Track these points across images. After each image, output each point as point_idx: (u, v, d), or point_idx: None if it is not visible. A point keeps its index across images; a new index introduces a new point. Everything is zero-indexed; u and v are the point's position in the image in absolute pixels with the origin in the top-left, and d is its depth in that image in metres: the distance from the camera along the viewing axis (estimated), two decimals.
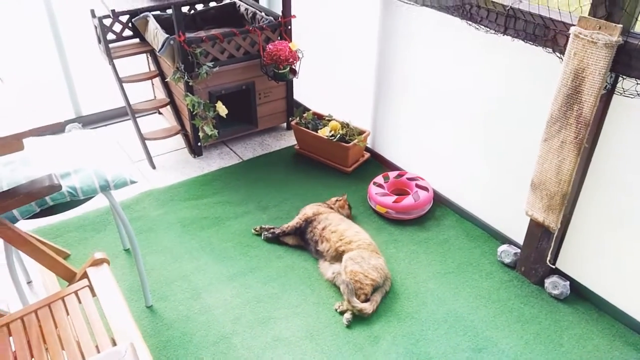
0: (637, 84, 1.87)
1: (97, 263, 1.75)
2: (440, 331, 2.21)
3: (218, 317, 2.25)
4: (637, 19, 1.83)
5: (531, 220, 2.38)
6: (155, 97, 3.91)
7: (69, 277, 1.79)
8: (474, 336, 2.19)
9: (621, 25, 1.79)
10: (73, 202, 2.04)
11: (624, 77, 1.91)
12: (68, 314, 1.59)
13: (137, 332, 1.52)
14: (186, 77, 3.08)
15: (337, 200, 2.81)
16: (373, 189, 2.89)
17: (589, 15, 1.90)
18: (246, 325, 2.21)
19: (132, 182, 2.07)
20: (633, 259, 2.13)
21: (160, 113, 3.94)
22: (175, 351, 2.10)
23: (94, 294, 1.67)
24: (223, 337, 2.16)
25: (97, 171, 2.04)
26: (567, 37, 1.95)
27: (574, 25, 1.92)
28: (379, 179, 2.98)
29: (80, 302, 1.63)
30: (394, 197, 2.81)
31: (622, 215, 2.12)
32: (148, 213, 2.89)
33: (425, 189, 2.88)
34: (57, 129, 1.75)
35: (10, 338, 1.51)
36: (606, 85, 1.94)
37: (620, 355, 2.11)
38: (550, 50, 2.07)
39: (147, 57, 3.65)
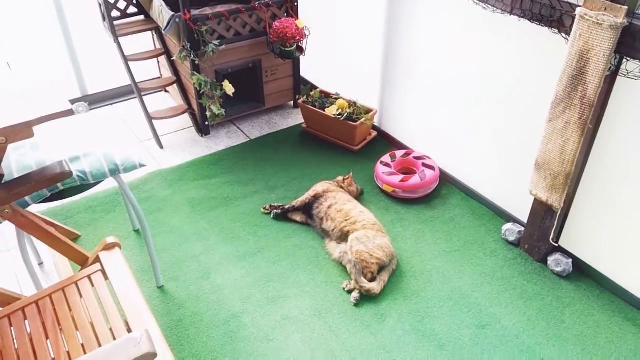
0: None
1: (109, 247, 1.79)
2: (445, 308, 2.26)
3: (228, 297, 2.31)
4: None
5: (535, 199, 2.40)
6: (161, 75, 3.91)
7: (82, 261, 1.84)
8: (478, 313, 2.24)
9: (626, 7, 1.78)
10: (83, 186, 2.08)
11: (628, 59, 1.90)
12: (82, 297, 1.64)
13: (150, 316, 1.58)
14: (192, 56, 3.07)
15: (344, 179, 2.84)
16: (380, 169, 2.92)
17: None
18: (256, 305, 2.27)
19: (142, 166, 2.09)
20: (633, 238, 2.16)
21: (166, 91, 3.94)
22: (187, 330, 2.17)
23: (106, 278, 1.73)
24: (233, 316, 2.22)
25: (106, 155, 2.07)
26: (573, 18, 1.94)
27: (579, 6, 1.90)
28: (386, 158, 3.00)
29: (93, 285, 1.68)
30: (401, 177, 2.83)
31: (624, 194, 2.13)
32: (157, 193, 2.94)
33: (431, 167, 2.90)
34: (67, 115, 1.78)
35: (26, 321, 1.56)
36: (610, 67, 1.94)
37: (620, 331, 2.15)
38: (556, 31, 2.06)
39: (153, 35, 3.64)
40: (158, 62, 3.84)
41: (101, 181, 2.06)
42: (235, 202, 2.86)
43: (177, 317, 2.22)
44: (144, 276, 2.42)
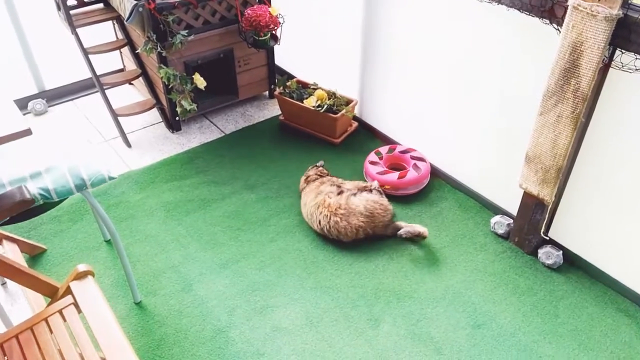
0: (637, 58, 1.79)
1: (81, 276, 1.64)
2: (440, 309, 2.20)
3: (213, 310, 2.19)
4: None
5: (525, 192, 2.34)
6: (125, 67, 3.69)
7: (51, 293, 1.68)
8: (472, 312, 2.18)
9: None
10: (47, 204, 1.92)
11: (623, 51, 1.82)
12: (52, 333, 1.50)
13: (130, 351, 1.45)
14: (159, 48, 2.88)
15: (314, 167, 2.78)
16: (371, 169, 2.77)
17: None
18: (243, 317, 2.16)
19: (111, 179, 1.94)
20: (624, 229, 2.13)
21: (131, 84, 3.72)
22: (170, 349, 2.05)
23: (79, 311, 1.58)
24: (220, 331, 2.11)
25: (71, 169, 1.91)
26: (566, 8, 1.85)
27: None
28: (372, 157, 2.87)
29: (65, 320, 1.53)
30: (397, 173, 2.72)
31: (614, 185, 2.09)
32: (127, 198, 2.77)
33: (421, 159, 2.81)
34: (26, 135, 1.60)
35: None
36: (603, 59, 1.86)
37: (613, 322, 2.13)
38: (548, 21, 1.96)
39: (114, 25, 3.41)
40: (121, 53, 3.62)
41: (66, 198, 1.90)
42: (213, 204, 2.72)
43: (158, 335, 2.10)
44: (119, 292, 2.28)
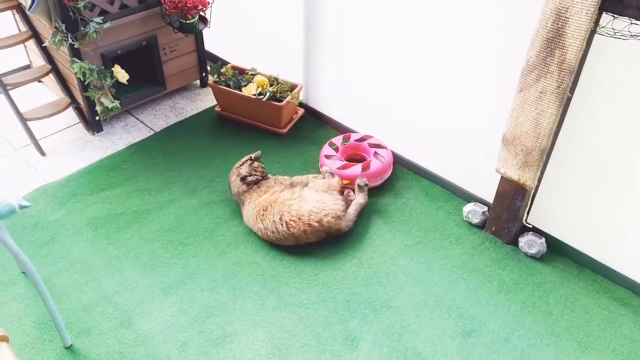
0: (632, 23, 1.58)
1: None
2: (423, 318, 1.95)
3: (160, 347, 1.84)
4: None
5: (502, 177, 2.12)
6: (31, 63, 3.20)
7: None
8: (459, 318, 1.95)
9: None
10: None
11: (615, 16, 1.61)
12: None
13: None
14: (70, 39, 2.48)
15: (246, 161, 2.41)
16: (330, 163, 2.46)
17: None
18: (197, 352, 1.82)
19: (22, 208, 1.60)
20: (609, 209, 1.97)
21: (41, 82, 3.22)
22: None
23: None
24: None
25: None
26: None
27: None
28: (327, 149, 2.56)
29: None
30: (359, 165, 2.43)
31: (599, 164, 1.93)
32: (46, 217, 2.34)
33: (381, 146, 2.54)
34: None
35: None
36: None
37: (609, 314, 1.97)
38: None
39: (14, 15, 2.92)
40: (26, 47, 3.12)
41: None
42: (149, 216, 2.34)
43: None
44: (45, 335, 1.88)
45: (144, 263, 2.14)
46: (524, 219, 2.16)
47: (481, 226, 2.32)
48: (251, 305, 1.98)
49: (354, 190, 2.35)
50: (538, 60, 1.77)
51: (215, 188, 2.50)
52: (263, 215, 2.18)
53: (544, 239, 2.16)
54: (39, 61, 2.99)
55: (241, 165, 2.39)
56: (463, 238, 2.27)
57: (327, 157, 2.51)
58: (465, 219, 2.34)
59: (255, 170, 2.37)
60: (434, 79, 2.27)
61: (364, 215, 2.35)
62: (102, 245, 2.21)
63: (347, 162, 2.48)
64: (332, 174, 2.36)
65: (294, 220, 2.12)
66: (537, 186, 2.11)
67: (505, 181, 2.12)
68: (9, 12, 2.84)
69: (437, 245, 2.24)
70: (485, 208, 2.29)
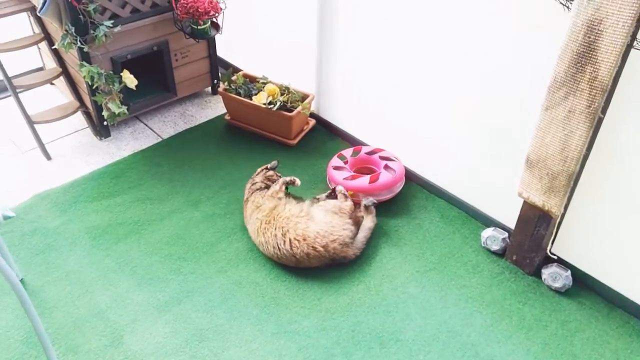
0: None
1: None
2: (433, 355, 1.79)
3: None
4: None
5: (525, 202, 1.96)
6: (44, 65, 3.15)
7: None
8: (474, 356, 1.79)
9: None
10: None
11: None
12: None
13: None
14: (79, 43, 2.42)
15: (263, 170, 2.35)
16: (337, 175, 2.34)
17: None
18: None
19: (6, 218, 1.51)
20: None
21: (52, 84, 3.17)
22: None
23: None
24: None
25: None
26: None
27: None
28: (336, 161, 2.43)
29: None
30: (367, 177, 2.29)
31: (631, 193, 1.76)
32: (45, 224, 2.26)
33: (392, 159, 2.40)
34: None
35: None
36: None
37: None
38: None
39: (29, 16, 2.89)
40: (39, 49, 3.08)
41: None
42: (149, 228, 2.24)
43: None
44: (31, 350, 1.79)
45: (140, 277, 2.03)
46: (548, 248, 1.99)
47: (501, 254, 2.15)
48: (248, 329, 1.85)
49: (358, 204, 2.21)
50: (567, 77, 1.62)
51: (219, 200, 2.39)
52: (265, 228, 2.06)
53: (569, 272, 1.99)
54: (51, 64, 2.94)
55: (257, 174, 2.33)
56: (481, 266, 2.11)
57: (335, 168, 2.38)
58: (483, 245, 2.18)
59: (269, 180, 2.29)
60: (452, 94, 2.13)
61: (374, 236, 2.20)
62: (99, 257, 2.11)
63: (355, 174, 2.34)
64: (346, 197, 2.21)
65: (298, 240, 1.99)
66: (564, 214, 1.94)
67: (528, 206, 1.96)
68: (24, 14, 2.80)
69: (452, 273, 2.08)
70: (506, 234, 2.13)
